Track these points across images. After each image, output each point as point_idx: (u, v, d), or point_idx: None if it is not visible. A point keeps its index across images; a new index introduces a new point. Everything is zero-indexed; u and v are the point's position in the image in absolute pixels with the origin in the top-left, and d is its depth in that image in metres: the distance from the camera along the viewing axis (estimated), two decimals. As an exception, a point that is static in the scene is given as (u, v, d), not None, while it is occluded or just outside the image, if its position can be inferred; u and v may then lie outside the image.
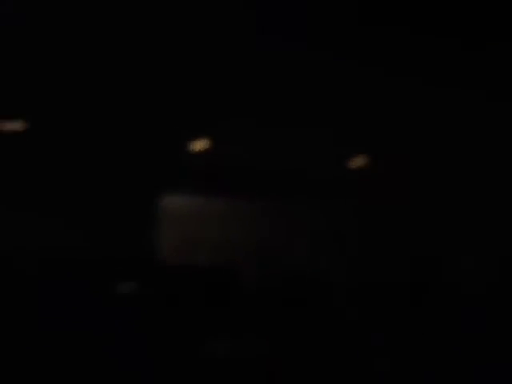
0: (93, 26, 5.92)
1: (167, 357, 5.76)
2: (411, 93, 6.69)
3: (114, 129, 6.47)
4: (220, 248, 7.12)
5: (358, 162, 7.10)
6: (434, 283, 7.05)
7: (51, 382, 5.21)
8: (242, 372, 5.75)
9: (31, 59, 5.96)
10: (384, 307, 6.76)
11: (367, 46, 6.04)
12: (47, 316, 5.83)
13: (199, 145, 6.74)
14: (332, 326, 6.66)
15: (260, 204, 7.24)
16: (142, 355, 5.69)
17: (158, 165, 6.64)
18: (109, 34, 5.92)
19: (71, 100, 6.31)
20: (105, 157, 6.45)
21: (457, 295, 6.91)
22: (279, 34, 5.84)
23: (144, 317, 6.04)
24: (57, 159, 6.39)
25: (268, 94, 6.59)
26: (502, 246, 7.06)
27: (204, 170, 6.81)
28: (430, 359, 6.03)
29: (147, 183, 6.63)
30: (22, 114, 6.29)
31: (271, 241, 7.30)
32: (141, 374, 5.47)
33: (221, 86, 6.45)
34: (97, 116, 6.40)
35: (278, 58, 6.32)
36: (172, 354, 5.83)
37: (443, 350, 6.18)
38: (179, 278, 6.51)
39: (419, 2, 5.64)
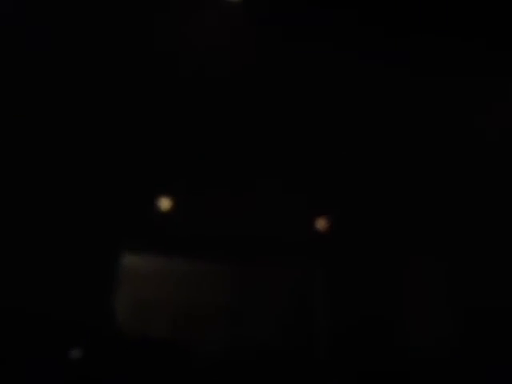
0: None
1: None
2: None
3: (73, 183, 6.24)
4: (181, 311, 6.84)
5: (322, 223, 6.98)
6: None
7: None
8: None
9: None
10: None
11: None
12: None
13: (162, 204, 6.56)
14: None
15: (223, 267, 7.03)
16: None
17: (118, 224, 6.38)
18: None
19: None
20: (65, 212, 6.17)
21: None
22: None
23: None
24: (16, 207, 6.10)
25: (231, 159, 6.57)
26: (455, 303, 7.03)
27: (166, 230, 6.61)
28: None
29: (108, 242, 6.35)
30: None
31: (234, 305, 7.05)
32: None
33: (185, 144, 6.37)
34: (55, 170, 6.20)
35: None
36: None
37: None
38: (133, 347, 6.20)
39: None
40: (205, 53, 5.78)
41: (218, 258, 6.83)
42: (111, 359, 5.94)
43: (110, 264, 6.43)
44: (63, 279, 6.12)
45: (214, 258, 6.83)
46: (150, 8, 5.48)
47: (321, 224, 6.89)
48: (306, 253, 6.90)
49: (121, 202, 6.39)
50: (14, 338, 5.71)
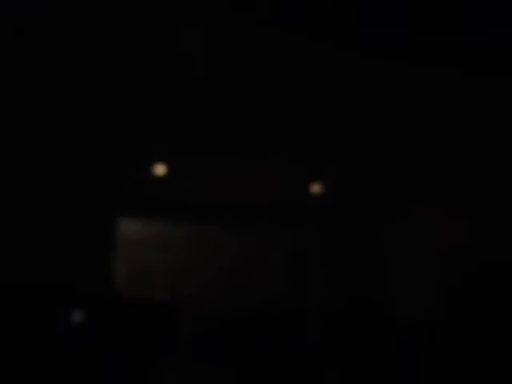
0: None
1: None
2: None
3: (69, 150, 6.24)
4: (178, 275, 6.92)
5: (316, 187, 6.99)
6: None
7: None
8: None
9: None
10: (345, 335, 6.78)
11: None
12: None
13: (158, 170, 6.57)
14: (297, 354, 6.62)
15: (220, 231, 7.07)
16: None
17: (115, 189, 6.41)
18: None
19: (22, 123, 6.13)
20: (56, 179, 6.18)
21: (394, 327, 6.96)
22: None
23: (93, 346, 5.89)
24: (11, 177, 6.13)
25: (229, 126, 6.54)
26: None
27: (164, 195, 6.62)
28: None
29: (104, 207, 6.39)
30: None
31: (233, 268, 7.12)
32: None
33: (180, 110, 6.33)
34: (56, 136, 6.19)
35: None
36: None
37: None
38: (133, 308, 6.35)
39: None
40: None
41: (213, 222, 6.94)
42: (111, 321, 6.09)
43: (108, 230, 6.47)
44: (62, 246, 6.16)
45: (210, 222, 6.94)
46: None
47: (315, 189, 6.97)
48: (302, 215, 6.97)
49: (116, 168, 6.38)
50: (17, 303, 5.84)
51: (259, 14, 5.45)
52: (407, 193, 7.01)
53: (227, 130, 6.53)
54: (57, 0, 5.35)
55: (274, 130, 6.59)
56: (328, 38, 5.57)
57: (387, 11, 5.48)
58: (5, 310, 5.81)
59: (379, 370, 6.44)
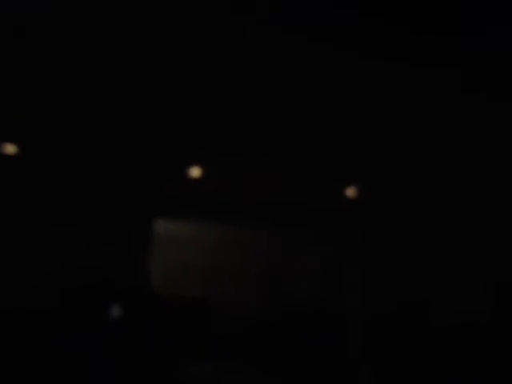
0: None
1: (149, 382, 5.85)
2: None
3: (109, 153, 6.38)
4: (214, 275, 6.97)
5: (353, 191, 6.97)
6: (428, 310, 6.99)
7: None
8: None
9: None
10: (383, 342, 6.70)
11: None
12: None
13: (193, 172, 6.63)
14: (329, 358, 6.63)
15: (256, 232, 7.11)
16: (125, 379, 5.73)
17: (153, 191, 6.52)
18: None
19: (60, 125, 6.20)
20: (97, 180, 6.33)
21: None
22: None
23: (130, 340, 6.06)
24: (47, 179, 6.25)
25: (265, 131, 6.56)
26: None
27: (200, 196, 6.70)
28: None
29: (143, 208, 6.52)
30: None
31: (267, 270, 7.14)
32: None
33: (215, 114, 6.38)
34: (91, 140, 6.30)
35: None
36: (154, 379, 5.91)
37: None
38: (167, 305, 6.52)
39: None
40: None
41: (250, 223, 6.96)
42: (147, 317, 6.28)
43: (146, 229, 6.67)
44: (103, 245, 6.42)
45: (246, 223, 6.96)
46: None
47: (350, 192, 6.94)
48: (340, 220, 6.96)
49: (154, 170, 6.56)
50: (58, 298, 6.10)
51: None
52: (446, 197, 6.94)
53: (261, 132, 6.56)
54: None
55: (310, 131, 6.59)
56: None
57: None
58: (46, 305, 6.01)
59: (418, 375, 6.42)
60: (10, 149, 6.17)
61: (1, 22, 5.43)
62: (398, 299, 6.88)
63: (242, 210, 6.84)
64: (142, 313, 6.26)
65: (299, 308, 6.94)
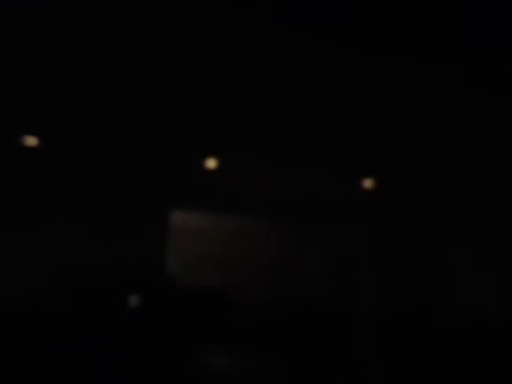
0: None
1: (168, 371, 5.86)
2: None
3: (124, 145, 6.42)
4: (229, 266, 7.02)
5: (366, 184, 6.97)
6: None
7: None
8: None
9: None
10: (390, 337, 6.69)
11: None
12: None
13: (209, 164, 6.68)
14: (341, 349, 6.64)
15: (271, 225, 7.15)
16: (143, 369, 5.78)
17: (170, 182, 6.58)
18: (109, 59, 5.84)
19: (77, 119, 6.25)
20: (113, 173, 6.39)
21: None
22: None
23: (149, 331, 6.11)
24: (64, 172, 6.31)
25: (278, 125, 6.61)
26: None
27: (216, 188, 6.75)
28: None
29: (160, 200, 6.58)
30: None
31: (281, 263, 7.18)
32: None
33: (232, 108, 6.43)
34: (107, 133, 6.35)
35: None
36: (172, 368, 5.92)
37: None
38: (185, 295, 6.59)
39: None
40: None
41: (265, 216, 6.97)
42: (165, 307, 6.33)
43: (162, 221, 6.70)
44: (121, 236, 6.46)
45: (262, 216, 6.96)
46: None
47: (367, 184, 6.91)
48: (351, 214, 6.96)
49: (171, 162, 6.57)
50: (77, 289, 6.15)
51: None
52: (457, 192, 6.91)
53: (275, 129, 6.56)
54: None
55: (325, 124, 6.59)
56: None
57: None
58: (64, 295, 6.06)
59: (429, 373, 6.37)
60: (29, 141, 6.19)
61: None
62: (409, 295, 6.87)
63: (256, 202, 6.86)
64: (160, 303, 6.31)
65: (310, 301, 6.97)
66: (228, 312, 6.59)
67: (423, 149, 6.84)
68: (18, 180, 6.19)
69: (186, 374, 5.97)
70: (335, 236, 7.19)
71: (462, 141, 6.76)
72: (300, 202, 6.85)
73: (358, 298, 6.99)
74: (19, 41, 5.59)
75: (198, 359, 6.09)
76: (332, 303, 6.96)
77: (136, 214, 6.57)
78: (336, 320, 6.85)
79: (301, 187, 6.84)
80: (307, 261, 7.19)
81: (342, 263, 7.16)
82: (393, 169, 6.94)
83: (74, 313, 6.00)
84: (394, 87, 6.28)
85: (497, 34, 5.78)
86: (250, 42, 5.78)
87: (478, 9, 5.49)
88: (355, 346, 6.73)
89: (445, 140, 6.77)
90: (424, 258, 7.00)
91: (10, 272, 6.05)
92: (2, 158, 6.10)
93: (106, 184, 6.50)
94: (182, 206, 6.87)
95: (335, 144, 6.76)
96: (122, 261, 6.45)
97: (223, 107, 6.43)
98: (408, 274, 6.94)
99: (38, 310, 5.92)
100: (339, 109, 6.48)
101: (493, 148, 6.81)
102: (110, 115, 6.28)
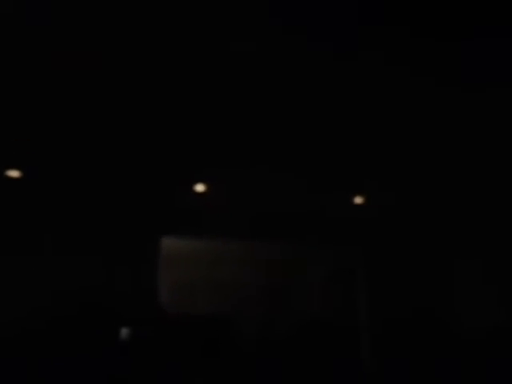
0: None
1: None
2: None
3: (111, 170, 6.36)
4: (220, 291, 6.94)
5: (360, 200, 6.94)
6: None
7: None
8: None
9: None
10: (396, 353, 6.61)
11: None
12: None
13: (197, 189, 6.65)
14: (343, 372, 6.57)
15: (262, 247, 7.10)
16: None
17: (155, 207, 6.52)
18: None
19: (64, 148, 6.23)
20: (101, 199, 6.32)
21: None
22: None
23: (140, 363, 6.03)
24: (51, 200, 6.25)
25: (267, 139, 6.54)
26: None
27: (205, 212, 6.70)
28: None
29: (147, 226, 6.51)
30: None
31: (275, 285, 7.11)
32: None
33: (219, 131, 6.35)
34: (94, 162, 6.33)
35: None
36: None
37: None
38: (176, 326, 6.48)
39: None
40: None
41: (255, 238, 6.89)
42: (157, 337, 6.23)
43: (150, 248, 6.60)
44: (108, 263, 6.37)
45: (252, 238, 6.89)
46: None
47: (359, 200, 6.86)
48: (346, 230, 6.88)
49: (158, 189, 6.55)
50: (65, 322, 6.02)
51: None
52: (459, 202, 6.85)
53: (263, 145, 6.52)
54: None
55: (314, 140, 6.52)
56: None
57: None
58: (53, 327, 5.93)
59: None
60: (13, 173, 6.16)
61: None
62: (409, 309, 6.81)
63: (245, 224, 6.79)
64: (151, 333, 6.17)
65: (307, 320, 6.89)
66: (221, 340, 6.43)
67: (428, 154, 6.81)
68: (4, 210, 6.13)
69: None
70: (330, 254, 7.12)
71: (461, 151, 6.73)
72: (290, 220, 6.77)
73: (357, 313, 6.92)
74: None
75: None
76: (331, 320, 6.88)
77: (124, 241, 6.44)
78: (335, 336, 6.77)
79: (291, 205, 6.77)
80: (302, 279, 7.10)
81: (337, 279, 7.09)
82: (393, 181, 6.91)
83: (60, 344, 5.88)
84: (395, 91, 6.27)
85: (497, 37, 5.78)
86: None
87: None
88: (356, 361, 6.65)
89: (444, 150, 6.74)
90: (423, 271, 6.95)
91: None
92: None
93: (92, 210, 6.39)
94: (171, 233, 6.78)
95: (329, 159, 6.70)
96: (110, 289, 6.31)
97: (209, 132, 6.38)
98: (406, 288, 6.88)
99: (26, 340, 5.79)
100: (335, 120, 6.45)
101: (492, 157, 6.79)
102: (98, 141, 6.23)
